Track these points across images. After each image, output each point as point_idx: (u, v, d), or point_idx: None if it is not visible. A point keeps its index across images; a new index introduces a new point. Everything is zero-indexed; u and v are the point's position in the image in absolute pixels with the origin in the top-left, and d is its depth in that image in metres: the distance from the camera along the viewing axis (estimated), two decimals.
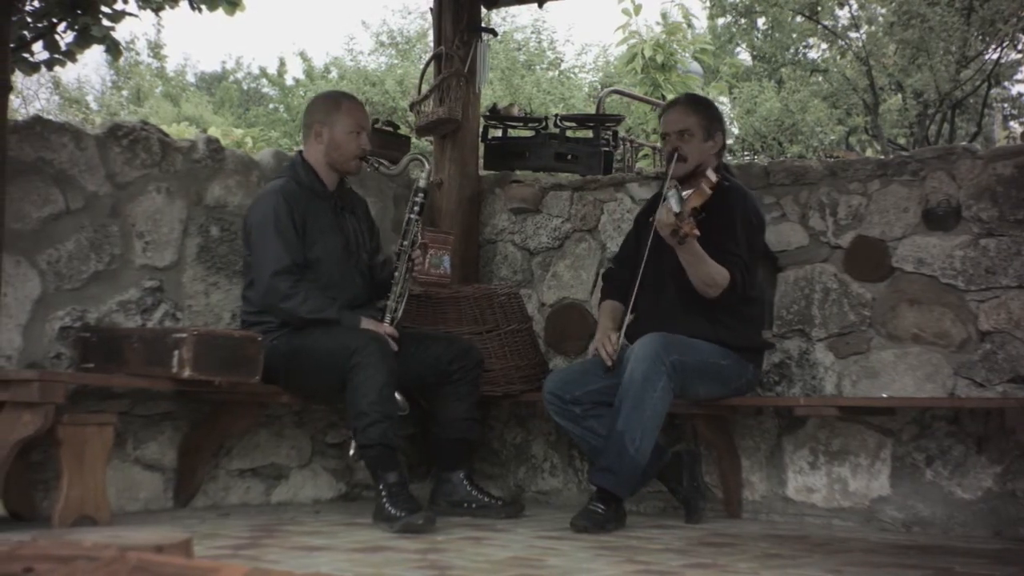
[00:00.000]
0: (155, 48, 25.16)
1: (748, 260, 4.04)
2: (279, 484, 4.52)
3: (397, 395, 3.91)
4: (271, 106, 25.14)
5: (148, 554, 1.28)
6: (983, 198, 4.14)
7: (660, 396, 3.86)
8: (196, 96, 24.17)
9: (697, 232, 3.75)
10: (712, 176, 3.92)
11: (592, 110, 12.96)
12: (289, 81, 25.19)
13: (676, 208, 3.69)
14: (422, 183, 4.26)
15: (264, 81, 26.34)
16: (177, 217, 4.26)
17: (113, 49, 5.49)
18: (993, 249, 4.10)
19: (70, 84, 23.99)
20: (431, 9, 5.22)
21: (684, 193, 3.84)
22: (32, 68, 5.63)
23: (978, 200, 4.14)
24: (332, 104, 4.26)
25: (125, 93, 24.24)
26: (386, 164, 4.44)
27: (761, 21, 20.84)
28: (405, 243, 4.22)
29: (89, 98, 24.60)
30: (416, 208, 4.23)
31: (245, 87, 26.83)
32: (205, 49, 47.56)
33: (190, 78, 27.05)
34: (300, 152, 4.28)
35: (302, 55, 28.43)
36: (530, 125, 5.21)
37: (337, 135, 4.18)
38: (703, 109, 4.27)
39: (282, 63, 27.89)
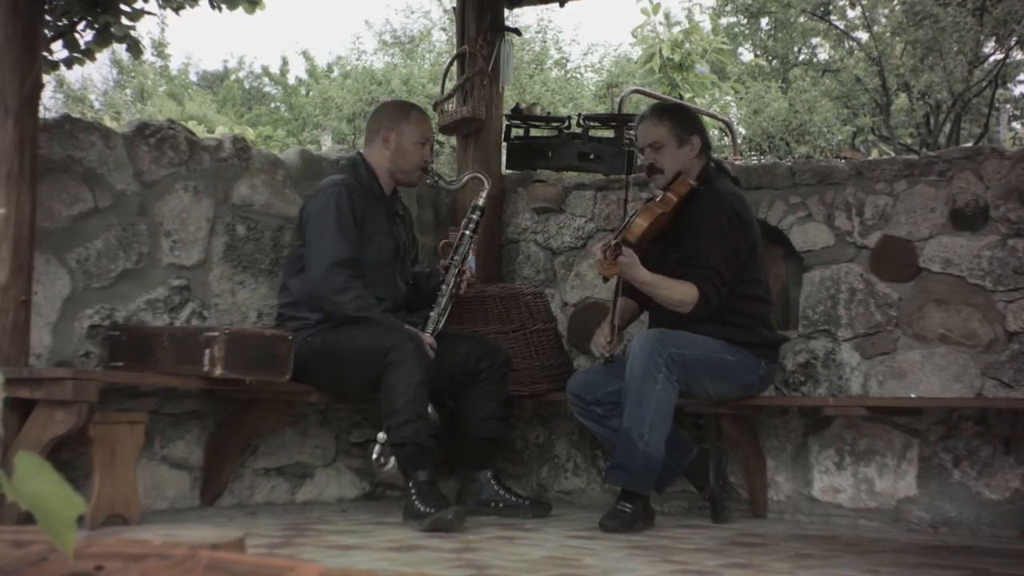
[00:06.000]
0: (159, 47, 25.11)
1: (721, 269, 3.97)
2: (304, 483, 4.52)
3: (429, 408, 3.91)
4: (273, 105, 25.10)
5: (219, 552, 1.28)
6: (1011, 198, 4.13)
7: (662, 388, 3.84)
8: (199, 95, 24.10)
9: (613, 270, 3.82)
10: (672, 194, 4.00)
11: (599, 109, 12.95)
12: (292, 80, 25.17)
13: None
14: (481, 201, 4.30)
15: (266, 80, 26.30)
16: (204, 216, 4.26)
17: (134, 47, 5.49)
18: (1021, 249, 4.10)
19: (74, 83, 23.93)
20: (454, 8, 5.23)
21: (630, 216, 3.98)
22: (52, 67, 5.62)
23: (1006, 200, 4.14)
24: (402, 112, 4.32)
25: (128, 92, 24.18)
26: (445, 178, 4.46)
27: (764, 21, 20.81)
28: (456, 257, 4.25)
29: (92, 96, 24.54)
30: (472, 225, 4.27)
31: (247, 86, 26.77)
32: (207, 48, 47.58)
33: (192, 77, 27.01)
34: (360, 153, 4.30)
35: (304, 54, 28.43)
36: (552, 125, 5.21)
37: (405, 143, 4.22)
38: (670, 116, 4.20)
39: (285, 62, 27.87)
